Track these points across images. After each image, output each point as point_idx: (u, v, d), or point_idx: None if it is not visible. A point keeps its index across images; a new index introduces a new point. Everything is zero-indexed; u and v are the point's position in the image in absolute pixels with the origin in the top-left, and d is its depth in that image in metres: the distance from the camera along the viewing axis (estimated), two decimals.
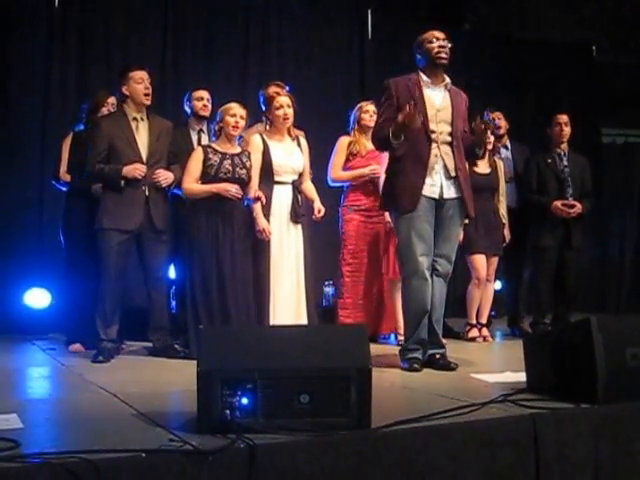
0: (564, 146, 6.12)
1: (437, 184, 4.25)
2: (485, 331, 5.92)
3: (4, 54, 6.41)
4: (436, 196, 4.25)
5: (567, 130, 6.08)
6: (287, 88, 5.16)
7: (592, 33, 8.80)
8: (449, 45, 4.28)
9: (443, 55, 4.27)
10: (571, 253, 6.04)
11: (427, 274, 4.21)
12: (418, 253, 4.18)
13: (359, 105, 5.71)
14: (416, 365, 4.20)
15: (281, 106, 4.90)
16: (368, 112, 5.58)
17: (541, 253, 6.07)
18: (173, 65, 6.99)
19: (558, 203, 5.91)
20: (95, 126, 4.90)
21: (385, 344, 5.51)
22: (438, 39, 4.29)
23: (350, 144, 5.65)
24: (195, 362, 2.59)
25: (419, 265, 4.18)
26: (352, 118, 5.70)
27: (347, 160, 5.65)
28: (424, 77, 4.32)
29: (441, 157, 4.25)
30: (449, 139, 4.28)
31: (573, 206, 5.91)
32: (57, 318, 5.80)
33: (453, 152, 4.28)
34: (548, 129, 6.19)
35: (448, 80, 4.36)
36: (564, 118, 6.09)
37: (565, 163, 6.07)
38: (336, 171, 5.66)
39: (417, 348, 4.25)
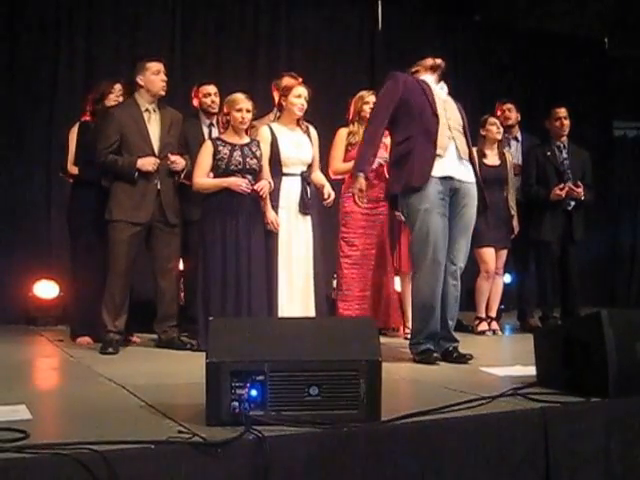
0: (564, 139, 6.11)
1: (451, 163, 4.21)
2: (494, 324, 5.91)
3: (11, 45, 6.42)
4: (449, 174, 4.19)
5: (567, 123, 6.07)
6: (300, 80, 5.15)
7: (605, 26, 8.75)
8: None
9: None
10: (573, 246, 6.02)
11: (441, 269, 4.17)
12: (432, 249, 4.12)
13: (360, 95, 5.54)
14: (435, 355, 4.13)
15: (300, 95, 4.88)
16: (369, 103, 5.40)
17: (543, 247, 6.04)
18: (182, 57, 7.00)
19: (557, 189, 5.87)
20: (107, 115, 4.82)
21: (394, 337, 5.49)
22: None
23: (349, 135, 5.51)
24: (203, 354, 2.58)
25: (433, 261, 4.13)
26: (352, 108, 5.54)
27: (347, 151, 5.50)
28: (427, 76, 4.40)
29: (453, 138, 4.24)
30: (460, 128, 4.30)
31: (576, 187, 5.86)
32: (65, 310, 5.82)
33: (466, 138, 4.31)
34: (547, 122, 6.16)
35: (445, 87, 4.45)
36: (563, 112, 6.08)
37: (565, 155, 6.05)
38: (334, 164, 5.52)
39: (428, 341, 4.20)
